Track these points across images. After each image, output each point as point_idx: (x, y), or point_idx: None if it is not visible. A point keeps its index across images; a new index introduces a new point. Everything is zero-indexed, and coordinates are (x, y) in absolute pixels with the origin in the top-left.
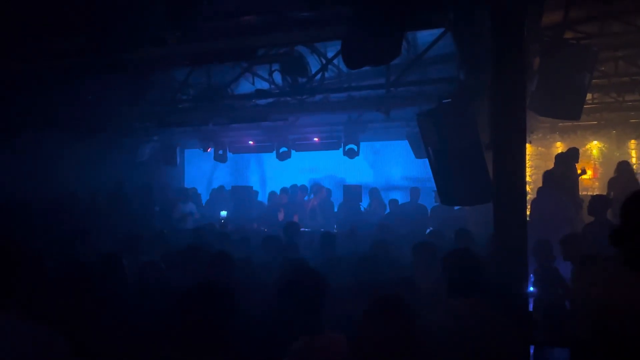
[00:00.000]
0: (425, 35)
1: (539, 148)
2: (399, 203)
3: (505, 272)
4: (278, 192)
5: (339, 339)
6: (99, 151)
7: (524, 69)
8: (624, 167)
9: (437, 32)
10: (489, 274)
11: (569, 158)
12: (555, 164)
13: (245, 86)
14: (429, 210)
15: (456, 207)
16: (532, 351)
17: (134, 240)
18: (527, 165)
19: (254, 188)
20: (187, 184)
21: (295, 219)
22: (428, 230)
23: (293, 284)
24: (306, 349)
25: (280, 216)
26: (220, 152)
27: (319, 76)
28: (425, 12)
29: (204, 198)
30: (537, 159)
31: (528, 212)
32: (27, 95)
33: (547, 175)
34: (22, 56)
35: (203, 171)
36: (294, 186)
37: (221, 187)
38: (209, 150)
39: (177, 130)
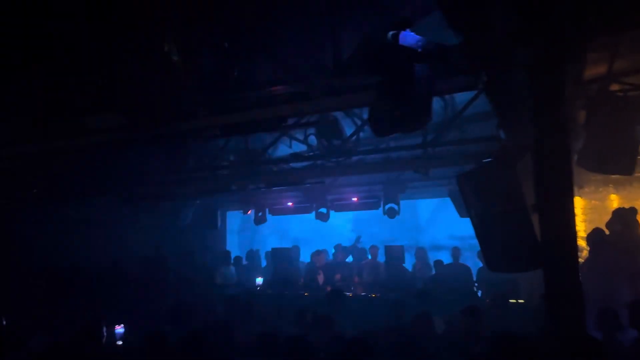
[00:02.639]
0: (463, 94)
1: (592, 201)
2: (444, 263)
3: (560, 347)
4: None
5: None
6: (143, 216)
7: (566, 126)
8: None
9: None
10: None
11: (628, 216)
12: (611, 220)
13: (283, 149)
14: (477, 271)
15: None
16: None
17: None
18: (581, 219)
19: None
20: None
21: (338, 277)
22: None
23: None
24: None
25: (320, 279)
26: (260, 214)
27: (354, 138)
28: (454, 77)
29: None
30: (591, 213)
31: None
32: (75, 166)
33: (597, 235)
34: (67, 133)
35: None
36: (337, 246)
37: (257, 251)
38: (249, 212)
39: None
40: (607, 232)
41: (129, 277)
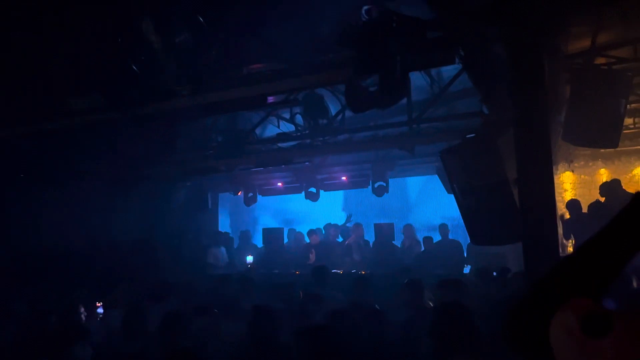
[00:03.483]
0: (450, 69)
1: (582, 176)
2: (434, 241)
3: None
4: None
5: None
6: (133, 199)
7: (545, 100)
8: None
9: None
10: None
11: (613, 187)
12: (600, 194)
13: (271, 130)
14: (466, 247)
15: None
16: None
17: (162, 288)
18: (571, 194)
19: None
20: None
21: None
22: (467, 269)
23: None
24: None
25: (312, 258)
26: (250, 194)
27: (340, 116)
28: (431, 51)
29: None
30: (580, 188)
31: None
32: (63, 149)
33: (595, 207)
34: (48, 115)
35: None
36: (327, 225)
37: (247, 231)
38: (239, 193)
39: (208, 175)
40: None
41: (117, 258)
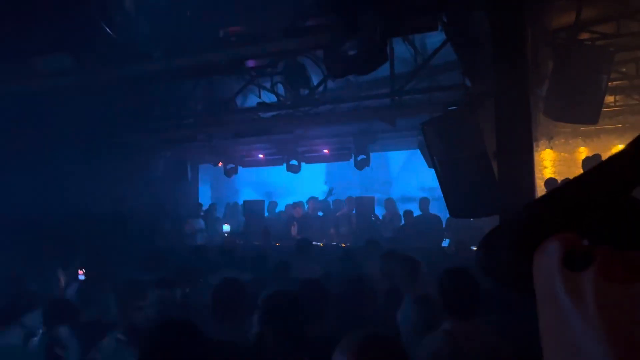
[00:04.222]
0: (435, 42)
1: (562, 154)
2: (414, 215)
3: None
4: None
5: None
6: (111, 168)
7: (529, 74)
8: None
9: (445, 37)
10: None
11: (594, 163)
12: (583, 169)
13: (252, 100)
14: (445, 221)
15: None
16: None
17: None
18: (550, 171)
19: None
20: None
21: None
22: (446, 242)
23: (272, 307)
24: None
25: (294, 231)
26: (231, 166)
27: (322, 86)
28: (412, 17)
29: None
30: (560, 165)
31: None
32: (34, 114)
33: (552, 182)
34: (12, 75)
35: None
36: (310, 199)
37: (235, 203)
38: (219, 164)
39: (187, 145)
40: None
41: (95, 227)
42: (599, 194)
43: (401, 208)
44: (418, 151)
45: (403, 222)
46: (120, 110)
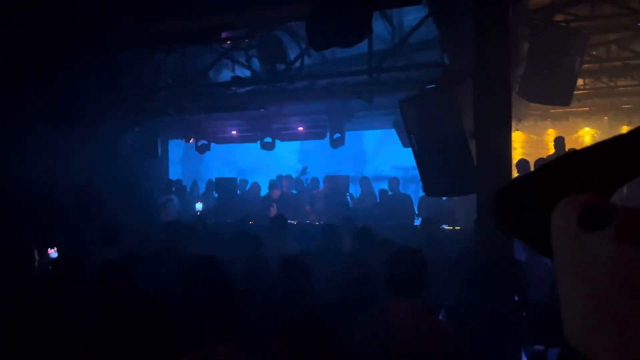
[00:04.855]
0: (412, 20)
1: (531, 136)
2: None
3: (488, 267)
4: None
5: (234, 355)
6: (78, 142)
7: (508, 53)
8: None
9: (423, 14)
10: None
11: (559, 146)
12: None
13: (226, 75)
14: (418, 201)
15: (444, 198)
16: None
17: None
18: (518, 153)
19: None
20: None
21: (308, 209)
22: (417, 221)
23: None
24: None
25: (273, 212)
26: (203, 142)
27: (298, 62)
28: None
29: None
30: (528, 147)
31: None
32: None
33: (523, 164)
34: None
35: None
36: (286, 177)
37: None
38: (191, 141)
39: (157, 120)
40: None
41: (62, 203)
42: (623, 158)
43: (376, 187)
44: (392, 130)
45: (378, 201)
46: (88, 80)
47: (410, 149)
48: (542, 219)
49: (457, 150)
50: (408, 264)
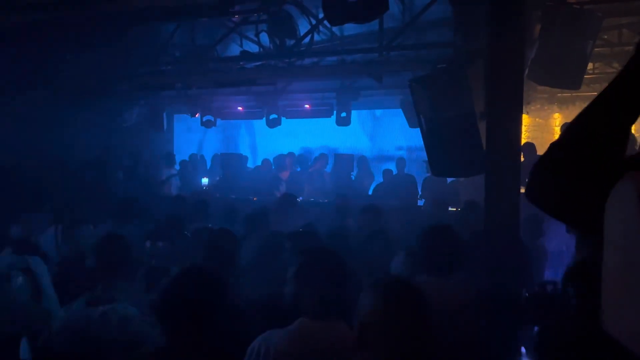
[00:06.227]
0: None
1: (537, 119)
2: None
3: (495, 250)
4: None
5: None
6: (84, 115)
7: (523, 34)
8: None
9: None
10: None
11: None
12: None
13: (234, 50)
14: (422, 181)
15: (449, 180)
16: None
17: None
18: (524, 136)
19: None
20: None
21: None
22: (421, 202)
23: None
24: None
25: (282, 190)
26: (208, 118)
27: (308, 37)
28: None
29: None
30: (534, 131)
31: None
32: (6, 60)
33: (529, 146)
34: None
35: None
36: (290, 154)
37: (201, 156)
38: (196, 115)
39: (163, 94)
40: None
41: (72, 176)
42: None
43: (380, 167)
44: (399, 110)
45: (375, 180)
46: (96, 54)
47: (406, 130)
48: (590, 196)
49: (466, 131)
50: (446, 241)
